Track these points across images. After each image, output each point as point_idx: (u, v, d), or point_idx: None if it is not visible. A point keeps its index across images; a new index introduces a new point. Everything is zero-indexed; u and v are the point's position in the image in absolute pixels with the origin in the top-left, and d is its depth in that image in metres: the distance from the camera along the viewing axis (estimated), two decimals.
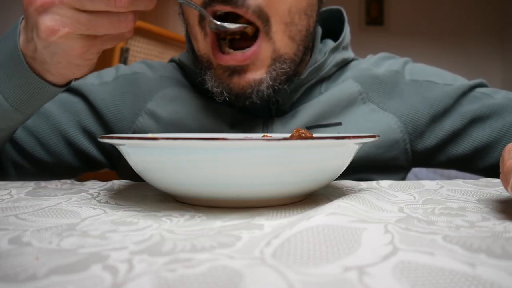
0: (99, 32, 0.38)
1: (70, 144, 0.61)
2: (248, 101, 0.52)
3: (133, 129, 0.61)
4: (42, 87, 0.45)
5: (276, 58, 0.51)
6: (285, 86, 0.54)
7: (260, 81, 0.51)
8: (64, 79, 0.46)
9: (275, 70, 0.51)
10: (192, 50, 0.59)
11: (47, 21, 0.35)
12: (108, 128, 0.62)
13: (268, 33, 0.50)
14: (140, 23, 1.20)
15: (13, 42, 0.43)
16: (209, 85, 0.53)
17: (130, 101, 0.62)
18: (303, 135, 0.39)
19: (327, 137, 0.30)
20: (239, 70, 0.50)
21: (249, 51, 0.49)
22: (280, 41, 0.51)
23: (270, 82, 0.51)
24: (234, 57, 0.50)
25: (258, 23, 0.49)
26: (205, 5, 0.48)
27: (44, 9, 0.35)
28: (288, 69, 0.53)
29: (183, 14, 0.57)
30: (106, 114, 0.61)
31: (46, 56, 0.41)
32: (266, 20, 0.49)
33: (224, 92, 0.52)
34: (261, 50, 0.50)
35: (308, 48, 0.58)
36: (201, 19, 0.51)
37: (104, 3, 0.36)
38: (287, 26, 0.51)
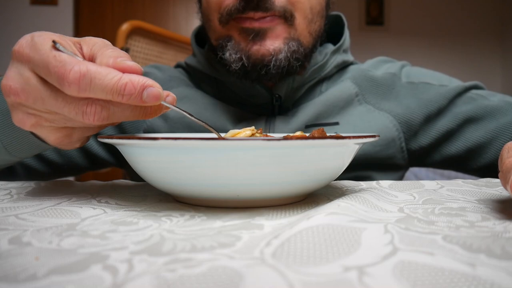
0: (72, 125, 0.35)
1: (81, 147, 0.62)
2: (264, 70, 0.54)
3: (143, 128, 0.63)
4: (36, 143, 0.43)
5: (294, 38, 0.55)
6: (298, 64, 0.56)
7: (279, 50, 0.54)
8: None
9: (292, 46, 0.55)
10: (209, 49, 0.63)
11: (15, 115, 0.34)
12: (121, 128, 0.63)
13: (292, 24, 0.54)
14: (140, 23, 1.19)
15: None
16: (227, 54, 0.55)
17: None
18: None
19: (327, 137, 0.30)
20: (261, 33, 0.53)
21: (268, 18, 0.53)
22: (301, 31, 0.56)
23: (288, 54, 0.54)
24: (254, 21, 0.53)
25: (283, 18, 0.54)
26: (239, 12, 0.52)
27: (13, 105, 0.33)
28: (303, 54, 0.57)
29: (201, 10, 0.61)
30: None
31: None
32: (290, 15, 0.54)
33: (243, 58, 0.54)
34: (279, 26, 0.54)
35: (316, 47, 0.62)
36: (222, 16, 0.54)
37: (72, 115, 0.32)
38: (309, 23, 0.56)
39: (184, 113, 0.35)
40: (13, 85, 0.32)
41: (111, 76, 0.30)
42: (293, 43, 0.55)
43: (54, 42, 0.32)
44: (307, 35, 0.57)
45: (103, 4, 3.13)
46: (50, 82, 0.31)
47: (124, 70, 0.32)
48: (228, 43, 0.55)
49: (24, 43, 0.32)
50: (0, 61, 2.85)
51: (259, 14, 0.52)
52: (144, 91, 0.31)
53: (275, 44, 0.54)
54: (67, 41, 0.33)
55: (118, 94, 0.30)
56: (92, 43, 0.34)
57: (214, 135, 0.45)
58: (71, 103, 0.32)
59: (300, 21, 0.55)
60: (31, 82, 0.32)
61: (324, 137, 0.30)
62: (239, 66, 0.54)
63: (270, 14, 0.53)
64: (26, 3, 2.94)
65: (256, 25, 0.53)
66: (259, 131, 0.41)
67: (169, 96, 0.35)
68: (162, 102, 0.33)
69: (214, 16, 0.56)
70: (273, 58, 0.54)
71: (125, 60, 0.32)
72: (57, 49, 0.31)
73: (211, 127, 0.38)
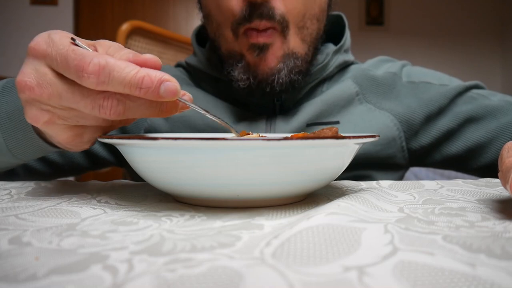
0: (85, 123, 0.35)
1: None
2: (269, 87, 0.56)
3: (144, 127, 0.63)
4: (42, 146, 0.43)
5: (289, 54, 0.56)
6: (299, 77, 0.57)
7: (279, 69, 0.55)
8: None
9: (290, 64, 0.56)
10: (210, 48, 0.64)
11: (29, 112, 0.34)
12: (122, 127, 0.63)
13: (285, 36, 0.55)
14: (140, 23, 1.19)
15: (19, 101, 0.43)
16: (236, 73, 0.57)
17: None
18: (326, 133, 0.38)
19: (327, 137, 0.30)
20: (264, 49, 0.55)
21: (269, 31, 0.54)
22: (293, 42, 0.56)
23: (287, 72, 0.56)
24: (259, 34, 0.54)
25: (280, 29, 0.54)
26: (245, 21, 0.53)
27: (27, 102, 0.34)
28: (301, 65, 0.57)
29: (206, 17, 0.60)
30: None
31: (43, 131, 0.39)
32: (286, 26, 0.54)
33: (250, 78, 0.56)
34: (276, 41, 0.55)
35: (317, 49, 0.62)
36: (233, 25, 0.55)
37: (88, 109, 0.32)
38: (300, 29, 0.56)
39: (202, 110, 0.35)
40: (28, 80, 0.32)
41: (129, 69, 0.30)
42: (289, 61, 0.56)
43: (72, 38, 0.32)
44: (299, 43, 0.57)
45: (103, 4, 3.13)
46: (68, 75, 0.31)
47: (144, 63, 0.32)
48: (239, 64, 0.56)
49: (40, 40, 0.33)
50: (1, 60, 2.85)
51: (263, 23, 0.53)
52: (161, 85, 0.31)
53: (274, 62, 0.55)
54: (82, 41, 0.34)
55: (136, 87, 0.30)
56: (108, 45, 0.35)
57: (214, 135, 0.45)
58: (88, 96, 0.32)
59: (292, 31, 0.56)
60: (48, 77, 0.32)
61: (324, 137, 0.30)
62: (246, 84, 0.56)
63: (271, 25, 0.53)
64: (26, 3, 2.94)
65: (260, 40, 0.54)
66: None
67: (186, 95, 0.35)
68: (179, 99, 0.33)
69: (226, 25, 0.56)
70: (276, 76, 0.55)
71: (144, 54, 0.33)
72: (76, 45, 0.32)
73: (228, 124, 0.38)
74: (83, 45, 0.32)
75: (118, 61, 0.30)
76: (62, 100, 0.32)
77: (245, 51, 0.56)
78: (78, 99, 0.32)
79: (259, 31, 0.54)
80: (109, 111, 0.32)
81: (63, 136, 0.36)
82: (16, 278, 0.18)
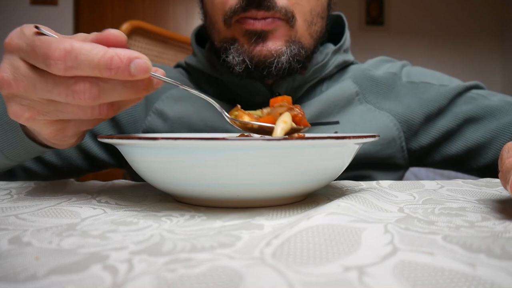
0: (65, 117, 0.34)
1: (81, 149, 0.62)
2: (266, 71, 0.54)
3: (143, 128, 0.63)
4: (32, 146, 0.43)
5: (295, 41, 0.55)
6: (298, 66, 0.57)
7: (281, 52, 0.54)
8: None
9: (293, 49, 0.55)
10: (210, 48, 0.63)
11: (10, 108, 0.34)
12: (120, 128, 0.63)
13: (293, 26, 0.54)
14: (140, 23, 1.19)
15: None
16: (230, 57, 0.55)
17: (142, 102, 0.64)
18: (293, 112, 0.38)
19: (327, 137, 0.30)
20: (263, 35, 0.54)
21: (269, 19, 0.53)
22: (302, 34, 0.56)
23: (290, 57, 0.54)
24: (257, 21, 0.53)
25: (285, 19, 0.54)
26: (243, 10, 0.52)
27: (8, 97, 0.34)
28: (304, 56, 0.57)
29: (204, 14, 0.61)
30: (119, 116, 0.62)
31: (30, 129, 0.39)
32: (291, 16, 0.54)
33: (246, 60, 0.54)
34: (280, 28, 0.54)
35: (318, 48, 0.62)
36: (226, 14, 0.54)
37: (63, 97, 0.32)
38: (309, 25, 0.56)
39: (177, 84, 0.35)
40: (5, 75, 0.32)
41: (96, 51, 0.30)
42: (294, 47, 0.55)
43: (37, 27, 0.32)
44: (308, 37, 0.57)
45: (103, 4, 3.13)
46: (38, 66, 0.31)
47: (107, 39, 0.32)
48: (232, 46, 0.55)
49: (13, 35, 0.33)
50: (1, 60, 2.85)
51: (261, 13, 0.52)
52: (131, 64, 0.30)
53: (276, 45, 0.54)
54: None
55: (105, 69, 0.30)
56: (81, 37, 0.34)
57: (214, 135, 0.45)
58: (60, 83, 0.32)
59: (300, 23, 0.55)
60: (21, 70, 0.32)
61: (324, 137, 0.30)
62: (242, 68, 0.54)
63: (271, 15, 0.53)
64: (26, 3, 2.93)
65: (258, 26, 0.53)
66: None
67: (158, 71, 0.34)
68: (152, 74, 0.33)
69: (218, 18, 0.56)
70: (275, 60, 0.54)
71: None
72: (42, 34, 0.32)
73: (211, 102, 0.38)
74: (48, 32, 0.32)
75: (84, 44, 0.30)
76: (37, 91, 0.32)
77: (239, 37, 0.55)
78: (51, 88, 0.32)
79: (257, 19, 0.53)
80: (83, 96, 0.31)
81: (45, 132, 0.36)
82: (16, 278, 0.18)
